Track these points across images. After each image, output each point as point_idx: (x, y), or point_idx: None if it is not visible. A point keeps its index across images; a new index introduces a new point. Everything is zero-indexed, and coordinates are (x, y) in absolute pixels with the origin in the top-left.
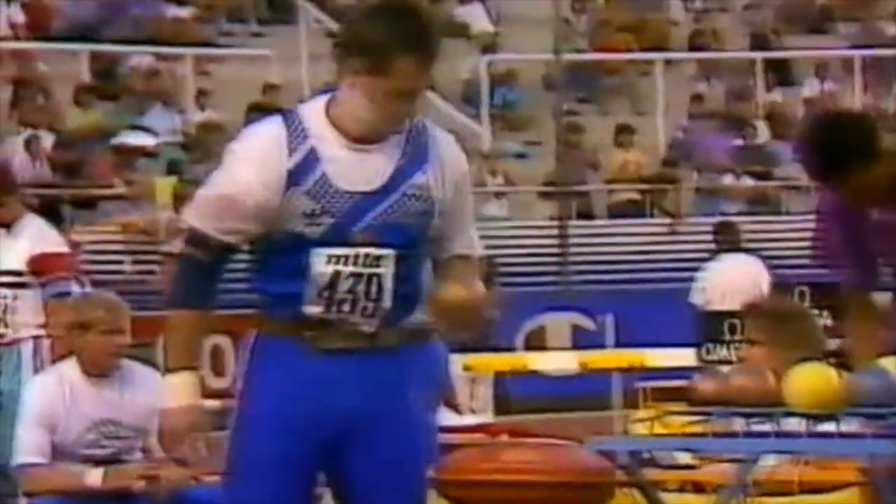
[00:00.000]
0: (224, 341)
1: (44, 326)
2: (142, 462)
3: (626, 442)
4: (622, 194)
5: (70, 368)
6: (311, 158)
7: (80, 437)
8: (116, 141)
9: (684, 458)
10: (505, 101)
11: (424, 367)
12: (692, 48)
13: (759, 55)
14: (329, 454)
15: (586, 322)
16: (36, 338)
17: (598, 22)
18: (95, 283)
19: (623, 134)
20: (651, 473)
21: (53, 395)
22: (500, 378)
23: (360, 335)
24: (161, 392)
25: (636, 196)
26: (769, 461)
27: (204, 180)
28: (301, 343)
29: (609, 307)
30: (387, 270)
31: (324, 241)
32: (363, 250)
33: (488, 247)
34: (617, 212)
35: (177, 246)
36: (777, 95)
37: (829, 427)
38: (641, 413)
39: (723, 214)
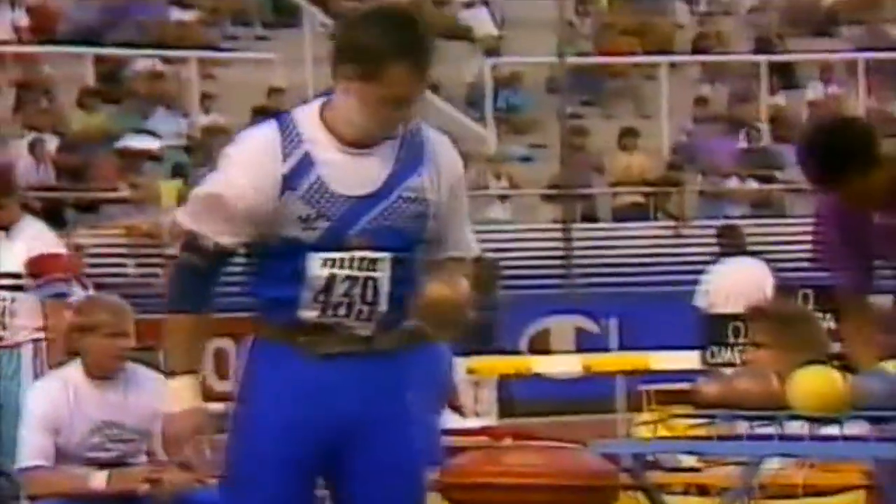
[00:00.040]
0: (227, 344)
1: (43, 329)
2: (146, 465)
3: (630, 445)
4: (626, 197)
5: (74, 371)
6: (306, 163)
7: (84, 440)
8: (121, 144)
9: (688, 461)
10: (509, 104)
11: (424, 369)
12: (696, 51)
13: (763, 58)
14: (328, 458)
15: (590, 325)
16: (36, 341)
17: (602, 25)
18: (99, 286)
19: (627, 137)
20: (655, 476)
21: (57, 398)
22: (504, 381)
23: (356, 339)
24: (164, 395)
25: (640, 199)
26: (773, 464)
27: None
28: (298, 348)
29: (613, 310)
30: (383, 274)
31: (319, 246)
32: (359, 254)
33: (492, 250)
34: (621, 215)
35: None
36: (781, 99)
37: (832, 430)
38: (645, 416)
39: (727, 217)
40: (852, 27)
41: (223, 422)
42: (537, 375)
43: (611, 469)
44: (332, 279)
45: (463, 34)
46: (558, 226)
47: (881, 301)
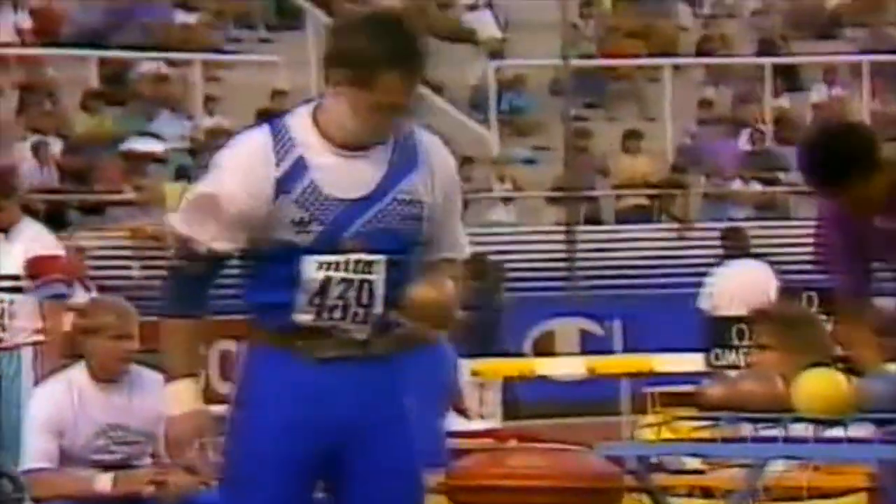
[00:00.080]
0: (232, 346)
1: (42, 331)
2: (151, 467)
3: (635, 447)
4: (630, 200)
5: (78, 373)
6: (299, 166)
7: (89, 443)
8: (125, 147)
9: (693, 463)
10: (513, 107)
11: (427, 371)
12: (700, 53)
13: (767, 61)
14: (327, 460)
15: (594, 327)
16: (36, 343)
17: (606, 27)
18: (104, 289)
19: (631, 139)
20: (659, 479)
21: (61, 400)
22: (508, 383)
23: (353, 343)
24: (165, 399)
25: (644, 201)
26: (777, 466)
27: None
28: (294, 352)
29: (617, 312)
30: (378, 276)
31: (314, 249)
32: (354, 256)
33: (496, 252)
34: (625, 217)
35: None
36: (785, 101)
37: (837, 432)
38: (650, 418)
39: (731, 220)
40: (856, 29)
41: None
42: (541, 378)
43: (615, 471)
44: (327, 282)
45: (467, 37)
46: (562, 228)
47: (883, 303)
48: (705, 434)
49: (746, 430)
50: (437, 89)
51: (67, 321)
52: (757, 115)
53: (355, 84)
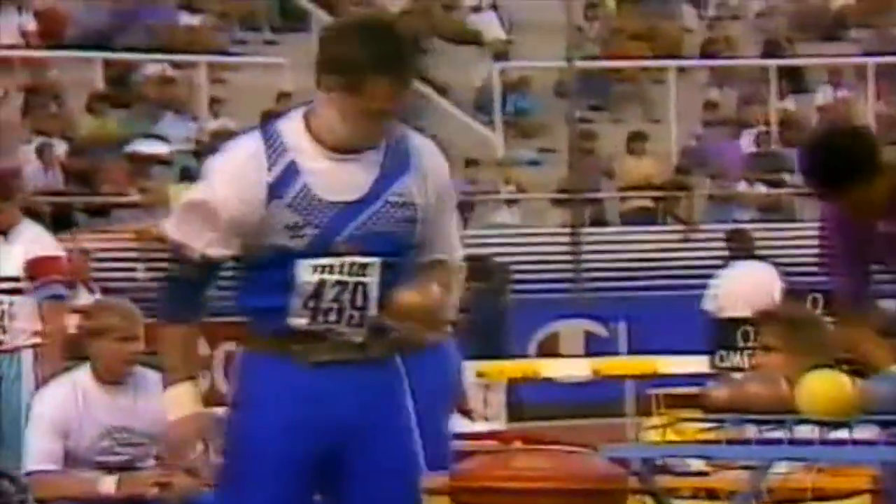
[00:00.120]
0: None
1: (41, 332)
2: (155, 469)
3: (639, 449)
4: (635, 201)
5: (83, 375)
6: (292, 171)
7: (93, 444)
8: (130, 149)
9: (697, 465)
10: (517, 109)
11: (431, 373)
12: (705, 55)
13: (771, 62)
14: (326, 464)
15: (599, 329)
16: (36, 346)
17: (611, 29)
18: (109, 290)
19: (636, 141)
20: (664, 480)
21: (66, 402)
22: (513, 385)
23: (350, 346)
24: (166, 403)
25: (649, 203)
26: (782, 468)
27: None
28: (290, 357)
29: (622, 314)
30: (372, 279)
31: (308, 253)
32: (348, 259)
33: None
34: (630, 219)
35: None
36: (790, 103)
37: (842, 434)
38: (654, 420)
39: (736, 221)
40: (861, 31)
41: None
42: (546, 379)
43: (620, 473)
44: (321, 285)
45: (471, 38)
46: (567, 230)
47: (886, 305)
48: (710, 436)
49: (751, 431)
50: (442, 91)
51: (67, 322)
52: (759, 116)
53: (346, 90)
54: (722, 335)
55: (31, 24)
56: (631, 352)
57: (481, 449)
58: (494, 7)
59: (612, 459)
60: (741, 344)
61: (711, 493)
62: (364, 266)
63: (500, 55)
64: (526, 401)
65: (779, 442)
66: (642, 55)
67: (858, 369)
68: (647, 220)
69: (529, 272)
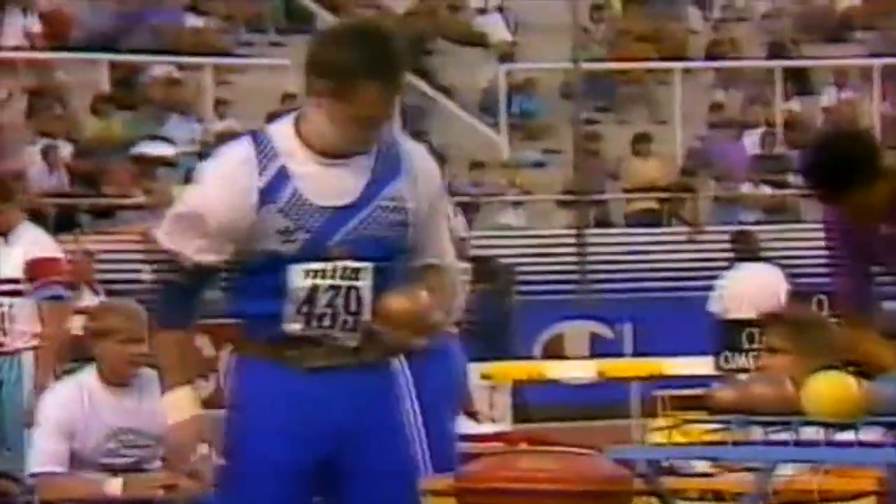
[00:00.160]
0: None
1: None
2: (161, 471)
3: (645, 450)
4: (640, 203)
5: (88, 377)
6: (282, 176)
7: (99, 446)
8: (135, 150)
9: (703, 466)
10: (523, 110)
11: (435, 375)
12: (710, 57)
13: (777, 64)
14: (324, 469)
15: (604, 330)
16: (37, 348)
17: (616, 31)
18: (114, 292)
19: (641, 143)
20: (669, 482)
21: (71, 403)
22: (518, 386)
23: (344, 351)
24: (165, 409)
25: (654, 205)
26: (788, 470)
27: None
28: (285, 363)
29: (627, 315)
30: (365, 283)
31: (300, 258)
32: (340, 264)
33: (506, 256)
34: (635, 220)
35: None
36: (795, 104)
37: (847, 436)
38: (660, 421)
39: (741, 223)
40: (866, 33)
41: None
42: (552, 381)
43: (625, 475)
44: (314, 290)
45: (477, 40)
46: (572, 231)
47: (889, 307)
48: (716, 437)
49: (757, 433)
50: (448, 92)
51: (66, 323)
52: (767, 118)
53: (335, 95)
54: (727, 337)
55: (36, 26)
56: (636, 353)
57: (487, 450)
58: (500, 9)
59: (618, 461)
60: (746, 345)
61: (717, 495)
62: (356, 270)
63: (506, 57)
64: (531, 402)
65: (784, 443)
66: (648, 57)
67: (864, 371)
68: (652, 221)
69: (535, 273)
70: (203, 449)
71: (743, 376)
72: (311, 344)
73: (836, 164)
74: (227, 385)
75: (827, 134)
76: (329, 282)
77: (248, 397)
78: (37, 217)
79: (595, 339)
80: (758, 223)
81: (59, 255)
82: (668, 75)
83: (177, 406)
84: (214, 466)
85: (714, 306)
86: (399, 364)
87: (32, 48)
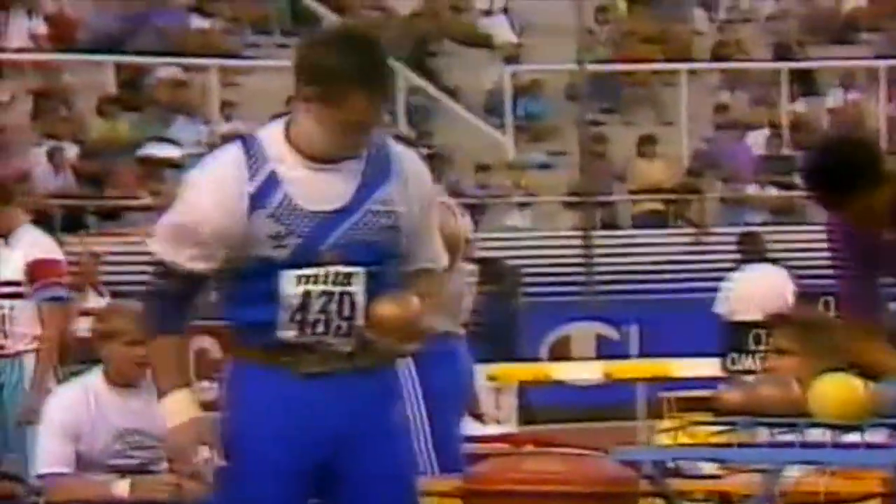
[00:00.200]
0: None
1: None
2: (168, 472)
3: (651, 452)
4: (646, 204)
5: (95, 378)
6: (272, 181)
7: (106, 448)
8: (142, 152)
9: (709, 468)
10: (528, 112)
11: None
12: (716, 58)
13: (783, 65)
14: (320, 473)
15: (611, 332)
16: (38, 350)
17: (622, 32)
18: (120, 294)
19: (647, 144)
20: (676, 484)
21: (76, 406)
22: (524, 388)
23: (338, 357)
24: (164, 413)
25: (660, 206)
26: (794, 471)
27: None
28: (279, 369)
29: (633, 317)
30: (358, 288)
31: (291, 263)
32: (332, 269)
33: (512, 257)
34: (641, 222)
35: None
36: (801, 106)
37: (854, 437)
38: (666, 423)
39: (747, 224)
40: (872, 34)
41: None
42: (558, 382)
43: (631, 476)
44: (307, 296)
45: (482, 41)
46: (578, 233)
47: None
48: (722, 439)
49: (763, 434)
50: (453, 94)
51: (66, 324)
52: (773, 119)
53: (323, 101)
54: (734, 338)
55: (42, 28)
56: (642, 355)
57: (493, 452)
58: (505, 10)
59: (624, 462)
60: (753, 347)
61: (723, 497)
62: (348, 275)
63: (511, 58)
64: (537, 404)
65: (791, 445)
66: (653, 58)
67: (871, 373)
68: (658, 223)
69: (541, 275)
70: (204, 451)
71: (749, 378)
72: (306, 350)
73: (839, 169)
74: (223, 390)
75: (829, 139)
76: (321, 287)
77: (245, 403)
78: (43, 219)
79: (601, 340)
80: (764, 224)
81: (60, 256)
82: (673, 77)
83: (176, 409)
84: (214, 468)
85: (720, 308)
86: (400, 367)
87: (38, 50)
